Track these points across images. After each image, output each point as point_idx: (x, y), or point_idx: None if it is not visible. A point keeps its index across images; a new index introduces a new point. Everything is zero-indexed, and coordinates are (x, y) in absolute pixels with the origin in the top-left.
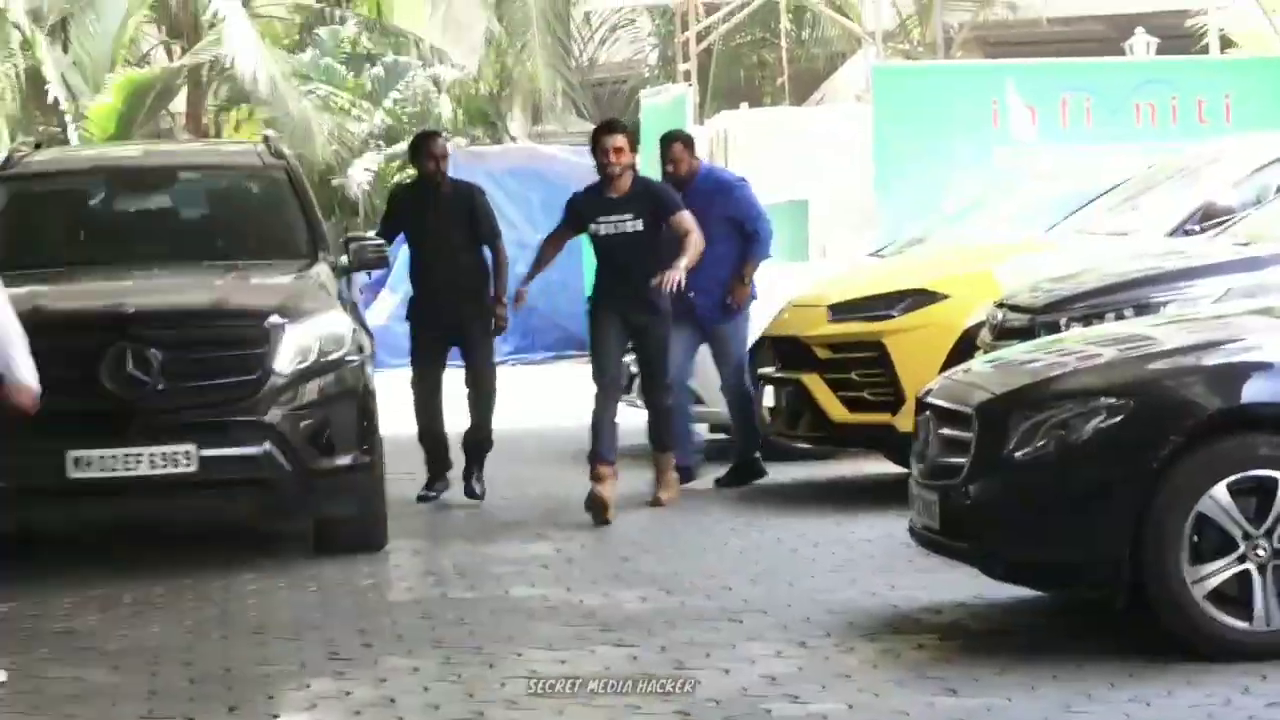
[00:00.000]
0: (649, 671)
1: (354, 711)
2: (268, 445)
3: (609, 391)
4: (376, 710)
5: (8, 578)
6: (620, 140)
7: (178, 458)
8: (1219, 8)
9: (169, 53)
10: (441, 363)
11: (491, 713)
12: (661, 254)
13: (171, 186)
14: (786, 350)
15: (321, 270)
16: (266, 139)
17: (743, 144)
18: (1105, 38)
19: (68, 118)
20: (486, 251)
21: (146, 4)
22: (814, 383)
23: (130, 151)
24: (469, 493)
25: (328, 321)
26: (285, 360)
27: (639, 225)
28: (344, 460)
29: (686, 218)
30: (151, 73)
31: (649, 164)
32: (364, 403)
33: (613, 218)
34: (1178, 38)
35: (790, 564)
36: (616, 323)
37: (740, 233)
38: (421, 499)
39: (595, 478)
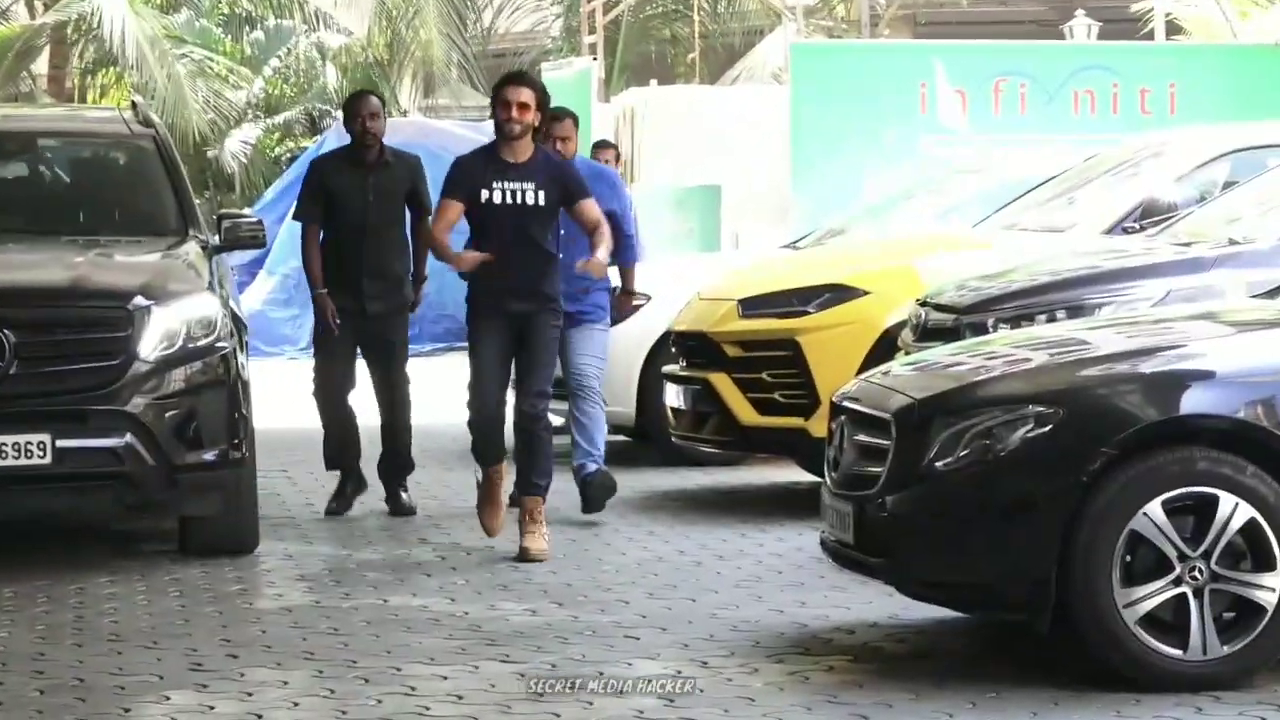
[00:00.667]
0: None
1: None
2: (129, 437)
3: (486, 430)
4: None
5: None
6: (526, 95)
7: (31, 448)
8: None
9: (30, 8)
10: (353, 355)
11: None
12: (551, 245)
13: (30, 154)
14: (693, 347)
15: (191, 249)
16: (135, 105)
17: (652, 123)
18: (1043, 20)
19: None
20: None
21: None
22: (722, 383)
23: None
24: (398, 509)
25: (197, 304)
26: (150, 345)
27: (539, 199)
28: (212, 454)
29: (595, 206)
30: (11, 30)
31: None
32: (235, 393)
33: (508, 185)
34: (1121, 21)
35: (692, 577)
36: (501, 330)
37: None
38: (332, 512)
39: (486, 479)
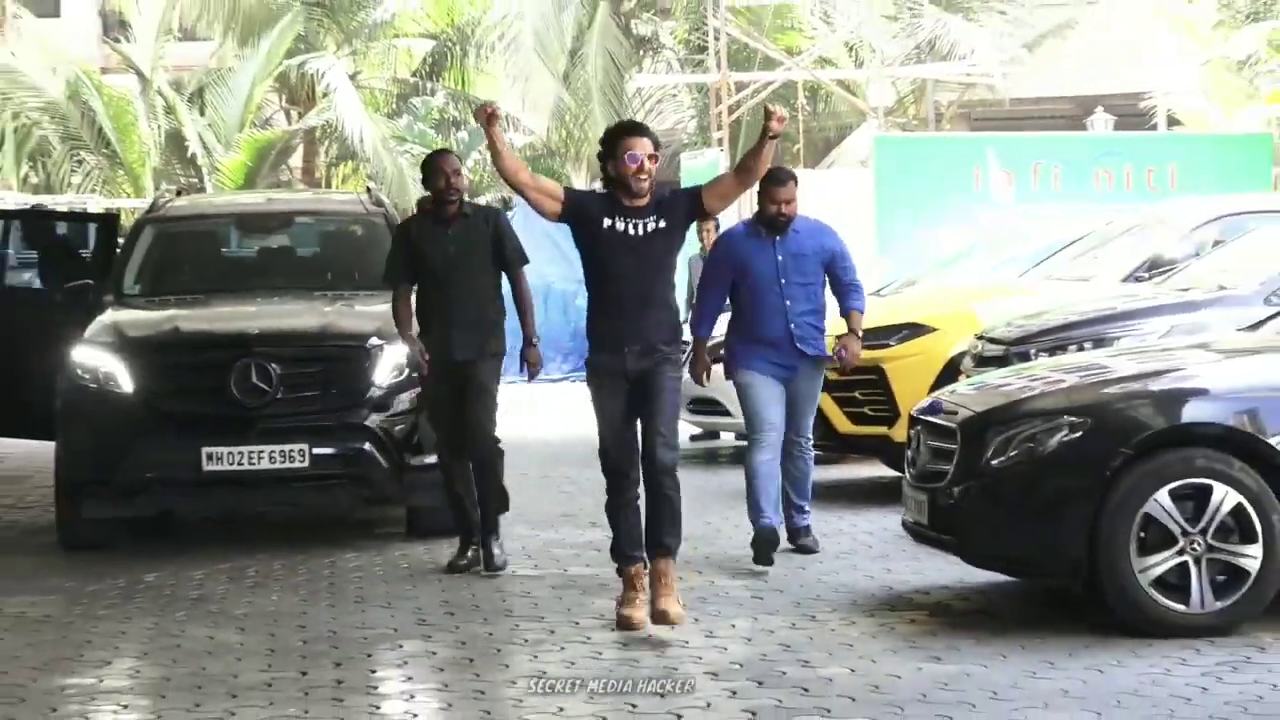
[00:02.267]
0: (682, 637)
1: (439, 669)
2: (367, 445)
3: (619, 461)
4: (457, 668)
5: (152, 553)
6: (649, 145)
7: (293, 455)
8: (1166, 93)
9: (288, 117)
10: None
11: (553, 671)
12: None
13: (289, 228)
14: None
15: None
16: (369, 190)
17: None
18: (1071, 115)
19: (204, 170)
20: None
21: (270, 76)
22: (824, 400)
23: (255, 199)
24: (489, 563)
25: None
26: (382, 375)
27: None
28: (431, 459)
29: None
30: (273, 134)
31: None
32: None
33: (629, 219)
34: (1132, 115)
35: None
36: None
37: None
38: (453, 568)
39: (627, 589)
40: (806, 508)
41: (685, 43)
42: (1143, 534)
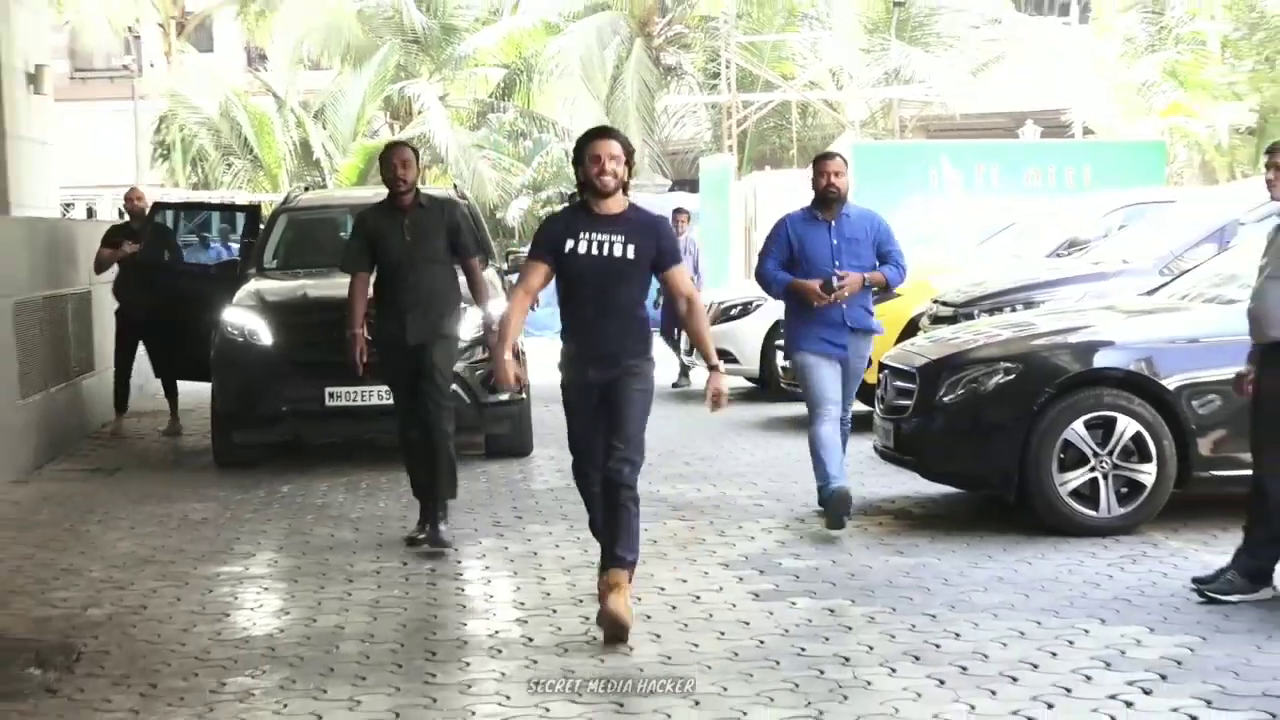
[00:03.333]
0: (701, 536)
1: (510, 560)
2: (455, 386)
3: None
4: (525, 559)
5: (286, 469)
6: (616, 148)
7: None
8: (1081, 108)
9: (391, 129)
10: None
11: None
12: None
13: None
14: None
15: (490, 272)
16: (455, 185)
17: (764, 196)
18: (1006, 126)
19: (325, 171)
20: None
21: (377, 97)
22: None
23: (366, 193)
24: (434, 539)
25: (494, 305)
26: (467, 330)
27: (628, 253)
28: (504, 397)
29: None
30: (379, 143)
31: (712, 214)
32: (519, 358)
33: (595, 235)
34: (1055, 126)
35: (795, 469)
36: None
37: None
38: (411, 541)
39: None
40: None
41: (703, 70)
42: (1062, 455)
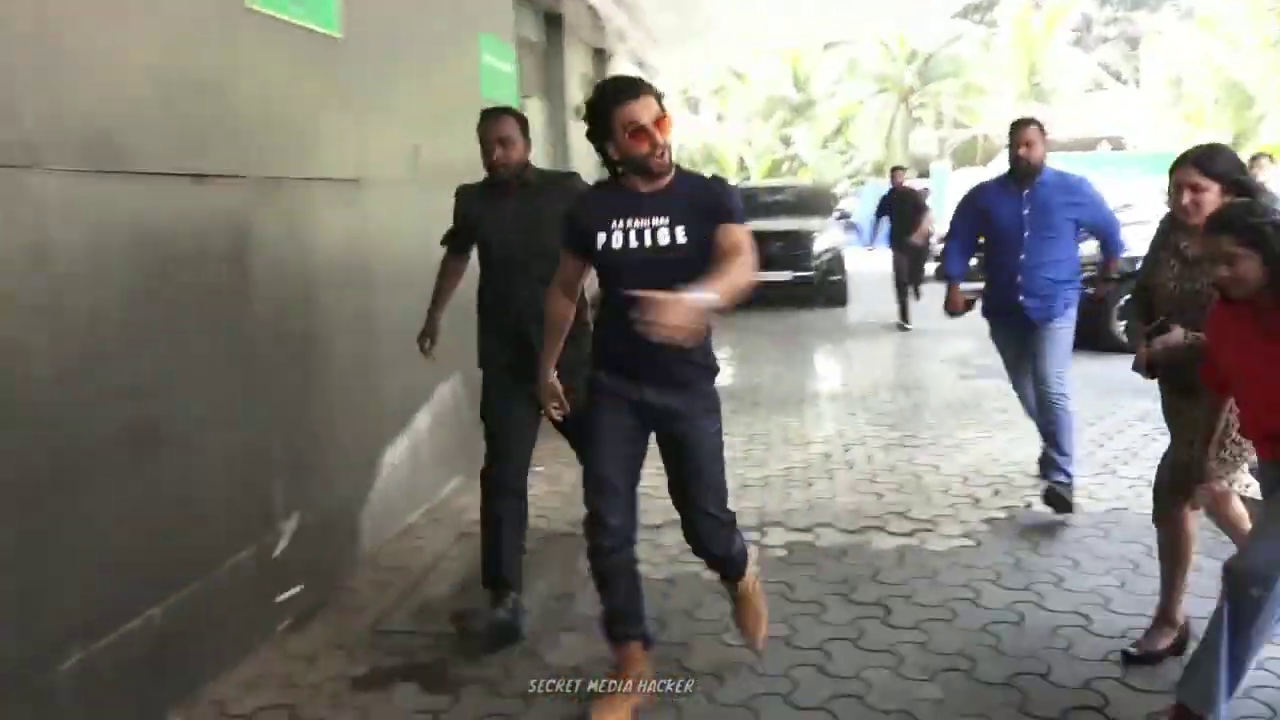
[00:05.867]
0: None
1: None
2: (814, 275)
3: (610, 562)
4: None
5: None
6: (655, 106)
7: (783, 276)
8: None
9: None
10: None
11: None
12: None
13: (779, 195)
14: None
15: (830, 219)
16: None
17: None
18: (1083, 146)
19: None
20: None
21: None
22: None
23: (754, 185)
24: (504, 624)
25: (833, 236)
26: (818, 247)
27: (678, 235)
28: (839, 278)
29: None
30: None
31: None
32: (843, 263)
33: (634, 222)
34: (1118, 149)
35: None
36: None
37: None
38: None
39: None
40: (1060, 462)
41: None
42: None
